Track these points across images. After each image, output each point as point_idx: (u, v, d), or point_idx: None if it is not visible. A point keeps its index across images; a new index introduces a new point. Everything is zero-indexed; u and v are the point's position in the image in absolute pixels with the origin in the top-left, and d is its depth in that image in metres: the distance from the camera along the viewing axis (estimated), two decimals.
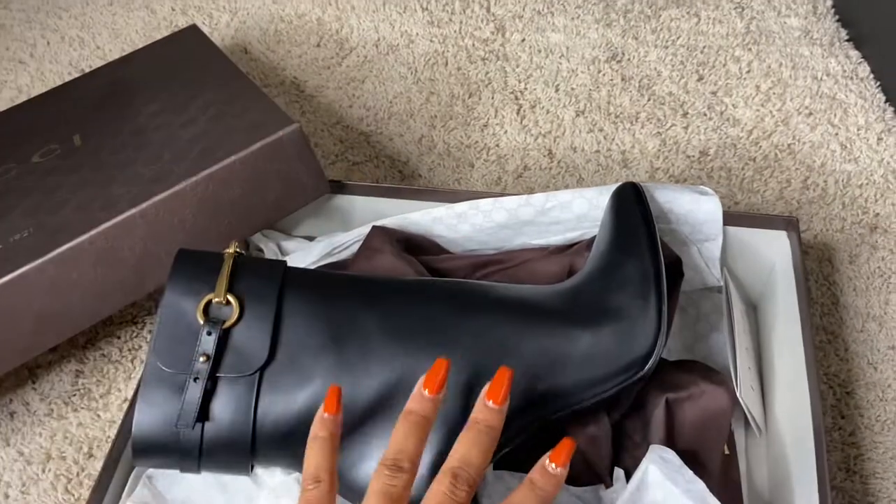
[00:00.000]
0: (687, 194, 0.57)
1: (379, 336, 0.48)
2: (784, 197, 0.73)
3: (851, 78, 0.81)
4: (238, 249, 0.51)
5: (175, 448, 0.47)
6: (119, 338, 0.68)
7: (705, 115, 0.80)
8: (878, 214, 0.71)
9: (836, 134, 0.77)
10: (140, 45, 0.93)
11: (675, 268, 0.55)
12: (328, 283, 0.52)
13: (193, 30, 0.81)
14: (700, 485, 0.46)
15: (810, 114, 0.79)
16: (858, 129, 0.77)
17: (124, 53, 0.92)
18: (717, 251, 0.59)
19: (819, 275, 0.68)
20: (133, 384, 0.65)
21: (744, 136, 0.78)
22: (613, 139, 0.79)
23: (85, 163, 0.65)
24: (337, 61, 0.89)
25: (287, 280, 0.50)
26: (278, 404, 0.47)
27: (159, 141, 0.65)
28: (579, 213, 0.58)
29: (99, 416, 0.64)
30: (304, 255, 0.63)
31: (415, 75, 0.87)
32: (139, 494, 0.51)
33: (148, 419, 0.47)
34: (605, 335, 0.48)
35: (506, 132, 0.81)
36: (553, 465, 0.40)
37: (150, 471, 0.53)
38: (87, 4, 0.98)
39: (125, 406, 0.64)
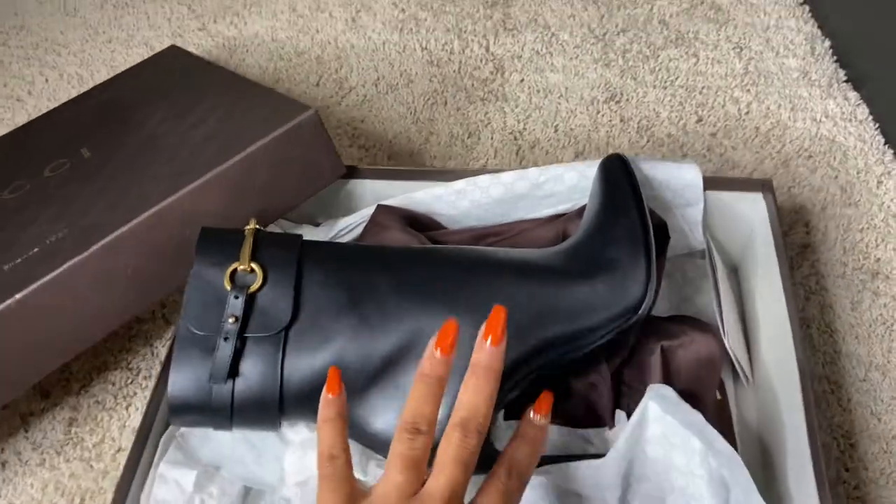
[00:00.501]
0: (667, 164, 0.61)
1: (393, 296, 0.52)
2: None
3: (850, 120, 0.81)
4: (257, 226, 0.55)
5: (208, 406, 0.50)
6: (114, 384, 0.67)
7: (705, 156, 0.80)
8: (879, 259, 0.70)
9: (836, 177, 0.77)
10: None
11: (662, 230, 0.59)
12: (342, 251, 0.56)
13: (174, 49, 0.83)
14: (698, 416, 0.50)
15: (810, 156, 0.79)
16: (858, 173, 0.77)
17: None
18: (699, 215, 0.63)
19: (821, 322, 0.67)
20: (128, 432, 0.64)
21: None
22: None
23: (101, 171, 0.67)
24: (336, 100, 0.89)
25: (304, 249, 0.54)
26: (303, 362, 0.51)
27: (173, 143, 0.67)
28: (571, 184, 0.62)
29: (92, 466, 0.63)
30: (309, 238, 0.65)
31: (414, 115, 0.86)
32: (172, 456, 0.54)
33: (182, 379, 0.50)
34: (601, 285, 0.53)
35: None
36: (537, 416, 0.46)
37: (182, 431, 0.55)
38: (86, 41, 0.99)
39: (119, 456, 0.63)
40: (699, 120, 0.83)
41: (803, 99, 0.84)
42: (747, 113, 0.84)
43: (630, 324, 0.52)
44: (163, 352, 0.69)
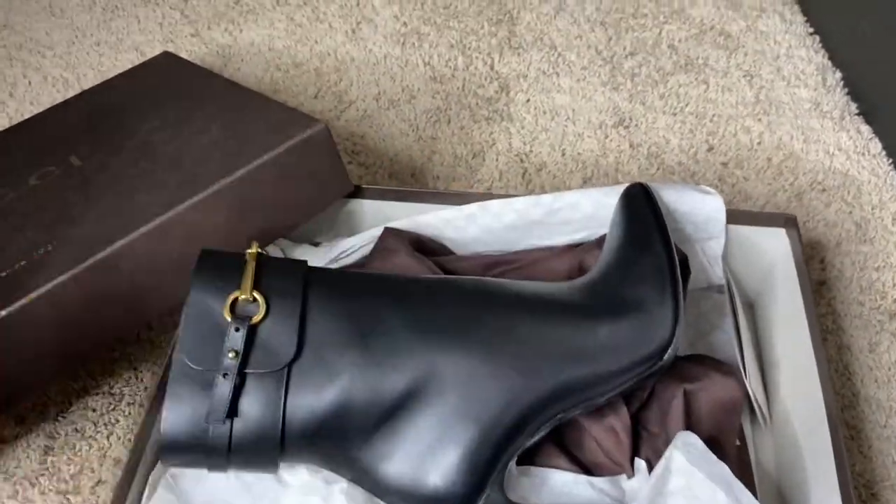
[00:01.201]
0: (691, 193, 0.59)
1: (403, 331, 0.49)
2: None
3: (863, 154, 0.80)
4: (259, 249, 0.51)
5: (204, 445, 0.47)
6: (94, 410, 0.63)
7: (717, 186, 0.78)
8: None
9: (851, 213, 0.75)
10: None
11: (683, 265, 0.56)
12: (350, 280, 0.52)
13: (168, 55, 0.79)
14: (724, 468, 0.48)
15: (823, 190, 0.77)
16: (873, 209, 0.75)
17: None
18: (720, 249, 0.60)
19: (838, 363, 0.65)
20: (108, 463, 0.60)
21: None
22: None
23: (93, 179, 0.63)
24: (335, 114, 0.85)
25: (310, 278, 0.50)
26: (306, 400, 0.47)
27: (173, 152, 0.63)
28: (587, 213, 0.60)
29: (69, 499, 0.58)
30: (310, 260, 0.62)
31: (416, 132, 0.83)
32: (161, 497, 0.50)
33: (176, 416, 0.46)
34: (624, 327, 0.49)
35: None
36: None
37: (173, 471, 0.51)
38: (72, 44, 0.94)
39: (98, 489, 0.59)
40: (710, 149, 0.81)
41: (815, 131, 0.82)
42: (759, 143, 0.82)
43: (655, 369, 0.49)
44: (147, 376, 0.65)
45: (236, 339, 0.47)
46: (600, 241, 0.60)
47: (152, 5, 0.99)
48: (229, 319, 0.47)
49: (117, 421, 0.63)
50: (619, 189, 0.59)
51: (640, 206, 0.56)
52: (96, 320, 0.56)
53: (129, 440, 0.61)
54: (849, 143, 0.81)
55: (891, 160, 0.79)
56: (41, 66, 0.92)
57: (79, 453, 0.61)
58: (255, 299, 0.48)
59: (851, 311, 0.68)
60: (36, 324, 0.53)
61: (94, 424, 0.62)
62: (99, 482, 0.59)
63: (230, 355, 0.46)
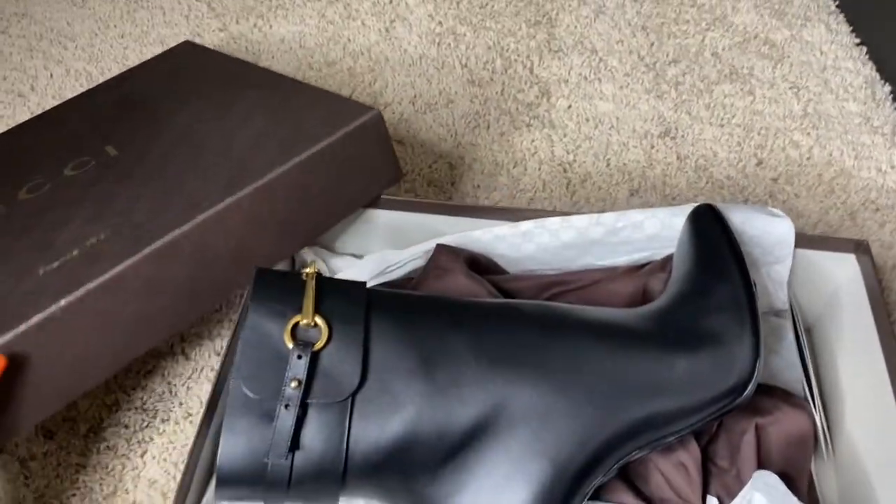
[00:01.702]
0: (759, 216, 0.57)
1: (470, 359, 0.46)
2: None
3: None
4: (317, 269, 0.48)
5: (262, 479, 0.44)
6: (127, 427, 0.60)
7: (767, 203, 0.75)
8: None
9: None
10: None
11: None
12: (412, 304, 0.49)
13: (190, 44, 0.77)
14: None
15: (877, 209, 0.75)
16: None
17: None
18: (786, 274, 0.59)
19: None
20: (143, 484, 0.57)
21: (808, 229, 0.73)
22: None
23: (135, 170, 0.61)
24: None
25: (371, 300, 0.48)
26: (370, 431, 0.45)
27: (218, 141, 0.62)
28: (651, 233, 0.57)
29: None
30: (355, 273, 0.60)
31: (455, 138, 0.81)
32: None
33: (234, 449, 0.43)
34: (703, 360, 0.47)
35: (555, 208, 0.75)
36: None
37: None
38: (95, 35, 0.91)
39: None
40: (759, 163, 0.79)
41: (867, 147, 0.80)
42: (809, 158, 0.79)
43: (735, 405, 0.47)
44: (182, 391, 0.62)
45: (299, 367, 0.44)
46: (665, 263, 0.57)
47: None
48: (291, 346, 0.45)
49: (151, 439, 0.60)
50: (685, 209, 0.56)
51: (712, 228, 0.53)
52: (153, 311, 0.54)
53: (164, 460, 0.59)
54: None
55: None
56: (63, 59, 0.88)
57: (112, 473, 0.58)
58: (316, 324, 0.45)
59: None
60: (93, 314, 0.51)
61: (128, 442, 0.60)
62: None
63: (292, 385, 0.44)
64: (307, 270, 0.48)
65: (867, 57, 0.89)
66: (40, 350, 0.50)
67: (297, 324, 0.45)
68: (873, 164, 0.78)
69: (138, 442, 0.60)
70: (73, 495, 0.57)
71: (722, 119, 0.83)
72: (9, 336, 0.48)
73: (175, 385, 0.63)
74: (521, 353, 0.47)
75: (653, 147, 0.80)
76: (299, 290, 0.47)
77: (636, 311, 0.51)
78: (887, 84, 0.86)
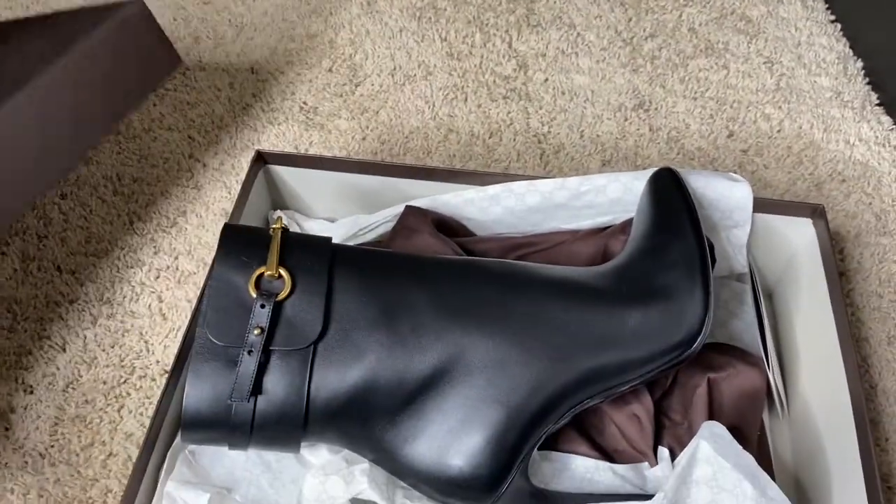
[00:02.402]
0: (719, 180, 0.58)
1: (430, 312, 0.48)
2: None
3: (884, 145, 0.79)
4: (284, 225, 0.50)
5: (226, 423, 0.46)
6: (105, 383, 0.62)
7: (736, 173, 0.77)
8: None
9: (871, 203, 0.74)
10: None
11: (710, 253, 0.55)
12: (376, 258, 0.51)
13: None
14: (749, 459, 0.47)
15: (843, 180, 0.76)
16: (893, 201, 0.74)
17: None
18: (745, 238, 0.60)
19: (857, 355, 0.64)
20: (119, 436, 0.59)
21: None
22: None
23: None
24: (350, 88, 0.84)
25: (336, 255, 0.50)
26: (331, 379, 0.46)
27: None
28: (613, 197, 0.59)
29: (79, 472, 0.57)
30: (327, 234, 0.62)
31: (433, 110, 0.82)
32: (180, 473, 0.49)
33: (199, 393, 0.45)
34: (654, 314, 0.49)
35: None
36: None
37: (192, 447, 0.51)
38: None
39: (109, 462, 0.58)
40: (730, 135, 0.80)
41: (836, 120, 0.81)
42: (779, 131, 0.81)
43: (683, 357, 0.48)
44: (159, 350, 0.64)
45: (262, 315, 0.46)
46: (625, 226, 0.59)
47: None
48: (255, 295, 0.46)
49: (128, 394, 0.62)
50: (647, 174, 0.58)
51: (670, 191, 0.55)
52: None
53: (141, 414, 0.61)
54: (869, 133, 0.80)
55: None
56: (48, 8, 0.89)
57: (89, 426, 0.60)
58: (280, 276, 0.47)
59: (870, 303, 0.68)
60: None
61: (105, 397, 0.62)
62: (110, 455, 0.58)
63: (255, 332, 0.46)
64: (274, 226, 0.50)
65: (841, 34, 0.91)
66: None
67: (261, 275, 0.47)
68: (841, 137, 0.80)
69: (116, 397, 0.62)
70: (52, 447, 0.59)
71: (695, 92, 0.84)
72: None
73: (152, 344, 0.65)
74: (479, 306, 0.49)
75: (626, 119, 0.82)
76: (265, 244, 0.48)
77: (594, 269, 0.53)
78: (859, 60, 0.87)
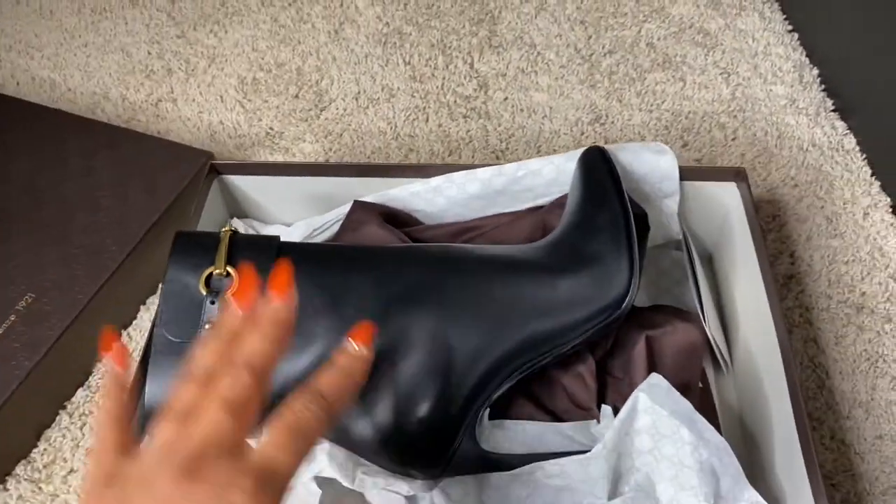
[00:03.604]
0: (645, 153, 0.61)
1: (373, 297, 0.51)
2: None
3: (837, 150, 0.80)
4: (233, 228, 0.53)
5: None
6: (71, 402, 0.64)
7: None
8: (864, 293, 0.69)
9: (822, 207, 0.75)
10: (113, 89, 0.90)
11: (642, 220, 0.58)
12: (320, 252, 0.55)
13: None
14: (687, 405, 0.50)
15: (796, 185, 0.78)
16: (844, 204, 0.75)
17: (96, 96, 0.89)
18: (675, 206, 0.63)
19: (804, 356, 0.65)
20: (80, 453, 0.61)
21: None
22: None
23: (13, 228, 0.68)
24: (315, 113, 0.87)
25: (282, 251, 0.53)
26: (284, 366, 0.48)
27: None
28: (549, 178, 0.62)
29: (40, 488, 0.59)
30: (283, 239, 0.64)
31: (394, 130, 0.84)
32: None
33: (158, 388, 0.48)
34: (584, 280, 0.52)
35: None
36: (354, 345, 0.41)
37: None
38: (61, 45, 0.96)
39: (70, 478, 0.60)
40: (685, 145, 0.82)
41: (790, 127, 0.83)
42: (734, 139, 0.82)
43: (614, 317, 0.51)
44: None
45: (212, 310, 0.50)
46: (561, 201, 0.61)
47: (140, 7, 1.00)
48: (204, 293, 0.49)
49: (91, 412, 0.64)
50: (577, 154, 0.61)
51: (597, 166, 0.58)
52: None
53: None
54: (823, 139, 0.81)
55: (864, 156, 0.80)
56: (29, 68, 0.93)
57: (52, 443, 0.62)
58: (228, 273, 0.50)
59: (819, 304, 0.69)
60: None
61: (70, 416, 0.64)
62: (71, 471, 0.60)
63: (207, 326, 0.49)
64: (223, 230, 0.53)
65: (798, 42, 0.92)
66: None
67: (210, 274, 0.50)
68: (795, 144, 0.81)
69: (79, 415, 0.64)
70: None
71: (651, 105, 0.86)
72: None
73: None
74: (419, 287, 0.52)
75: (583, 133, 0.84)
76: (214, 246, 0.52)
77: (529, 245, 0.56)
78: (815, 68, 0.89)
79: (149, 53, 0.94)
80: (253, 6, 0.99)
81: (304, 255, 0.53)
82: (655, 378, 0.51)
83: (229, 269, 0.51)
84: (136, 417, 0.53)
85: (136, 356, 0.67)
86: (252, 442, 0.36)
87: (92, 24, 0.99)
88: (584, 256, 0.53)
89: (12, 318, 0.62)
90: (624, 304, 0.52)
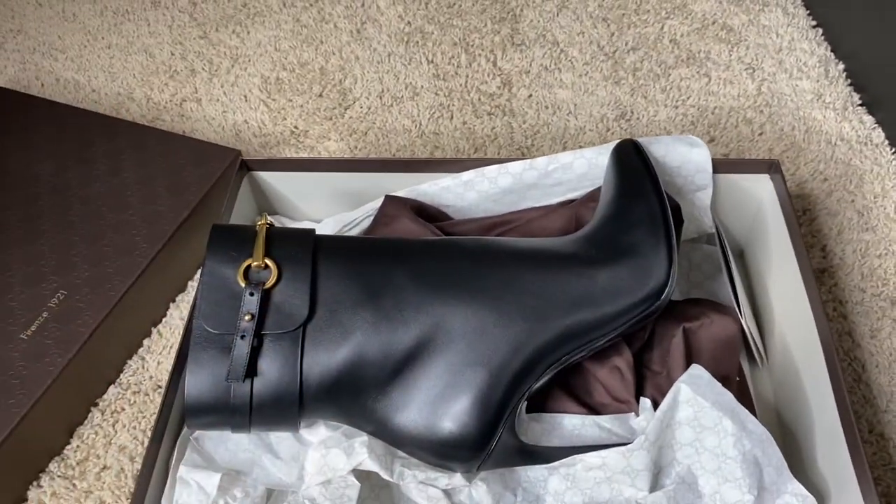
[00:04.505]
0: (679, 145, 0.61)
1: (411, 288, 0.51)
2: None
3: (866, 144, 0.80)
4: (269, 221, 0.53)
5: (226, 407, 0.48)
6: (102, 399, 0.64)
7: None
8: None
9: (853, 201, 0.75)
10: (137, 89, 0.90)
11: (676, 213, 0.58)
12: (357, 244, 0.54)
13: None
14: (729, 396, 0.50)
15: (825, 179, 0.77)
16: (875, 197, 0.75)
17: (120, 97, 0.89)
18: (708, 199, 0.63)
19: (839, 349, 0.65)
20: (113, 449, 0.61)
21: None
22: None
23: (44, 227, 0.68)
24: (339, 112, 0.87)
25: (318, 243, 0.52)
26: (322, 358, 0.49)
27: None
28: (580, 172, 0.62)
29: (74, 485, 0.59)
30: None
31: (419, 128, 0.84)
32: (190, 458, 0.51)
33: (199, 380, 0.48)
34: (622, 271, 0.51)
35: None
36: None
37: (196, 434, 0.53)
38: (84, 46, 0.96)
39: (103, 475, 0.60)
40: (712, 140, 0.81)
41: (818, 121, 0.82)
42: (761, 134, 0.82)
43: (653, 309, 0.51)
44: (153, 366, 0.66)
45: (251, 302, 0.49)
46: (594, 195, 0.61)
47: (162, 9, 1.01)
48: (243, 285, 0.49)
49: (123, 409, 0.64)
50: (609, 147, 0.61)
51: (632, 159, 0.58)
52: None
53: (134, 427, 0.62)
54: (851, 133, 0.81)
55: (893, 149, 0.79)
56: (53, 69, 0.94)
57: (85, 441, 0.62)
58: (266, 266, 0.50)
59: (853, 297, 0.68)
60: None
61: (102, 413, 0.64)
62: (104, 468, 0.60)
63: (246, 318, 0.49)
64: (259, 222, 0.53)
65: (822, 38, 0.92)
66: None
67: (249, 266, 0.50)
68: (823, 138, 0.81)
69: (111, 413, 0.64)
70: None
71: (677, 101, 0.86)
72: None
73: (147, 360, 0.67)
74: (457, 279, 0.51)
75: (608, 130, 0.83)
76: (251, 238, 0.52)
77: (566, 237, 0.56)
78: (841, 62, 0.88)
79: (172, 54, 0.95)
80: (274, 7, 1.00)
81: (340, 248, 0.53)
82: (697, 369, 0.51)
83: (267, 261, 0.51)
84: (175, 408, 0.53)
85: (168, 352, 0.67)
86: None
87: (114, 25, 0.99)
88: (622, 248, 0.52)
89: (45, 314, 0.62)
90: (663, 296, 0.51)
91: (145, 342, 0.68)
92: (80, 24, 0.99)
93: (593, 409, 0.55)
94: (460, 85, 0.89)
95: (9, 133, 0.77)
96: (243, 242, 0.51)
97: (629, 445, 0.49)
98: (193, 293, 0.71)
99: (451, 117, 0.85)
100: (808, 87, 0.86)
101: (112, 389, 0.65)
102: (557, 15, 0.96)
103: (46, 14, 1.01)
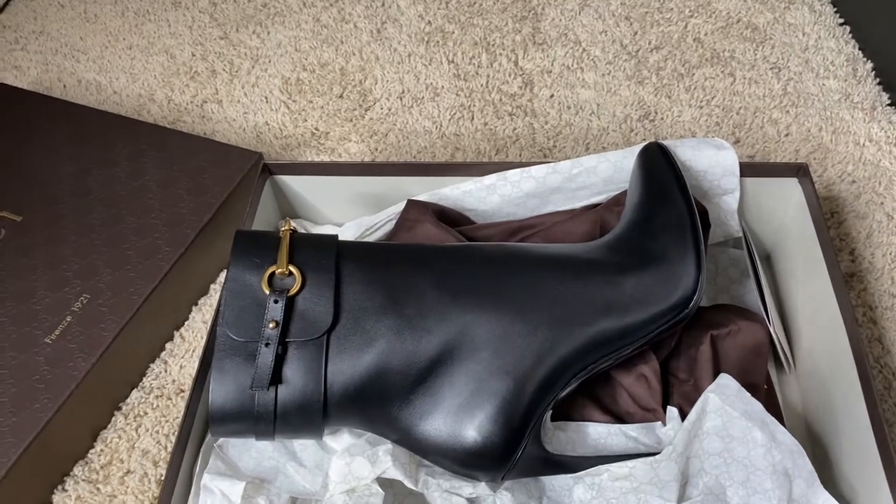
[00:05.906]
0: (706, 148, 0.60)
1: (434, 295, 0.50)
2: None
3: (895, 145, 0.78)
4: (293, 227, 0.53)
5: (250, 414, 0.48)
6: (126, 402, 0.64)
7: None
8: None
9: (882, 203, 0.73)
10: (158, 91, 0.90)
11: (703, 218, 0.57)
12: (380, 251, 0.54)
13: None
14: (758, 406, 0.49)
15: (853, 181, 0.76)
16: None
17: (141, 98, 0.90)
18: (735, 203, 0.62)
19: (870, 356, 0.64)
20: (136, 454, 0.61)
21: None
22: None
23: (67, 230, 0.69)
24: (360, 113, 0.86)
25: (342, 250, 0.52)
26: (346, 364, 0.49)
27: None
28: (605, 176, 0.61)
29: (98, 489, 0.60)
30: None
31: (440, 130, 0.84)
32: (214, 466, 0.51)
33: (223, 387, 0.48)
34: (649, 278, 0.51)
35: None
36: None
37: (220, 442, 0.53)
38: (105, 48, 0.96)
39: (127, 479, 0.60)
40: (737, 141, 0.80)
41: (845, 122, 0.81)
42: (787, 135, 0.80)
43: (681, 317, 0.50)
44: (175, 370, 0.66)
45: (276, 310, 0.49)
46: (619, 199, 0.60)
47: (182, 9, 1.01)
48: (268, 292, 0.49)
49: (146, 413, 0.64)
50: (635, 150, 0.60)
51: (658, 162, 0.57)
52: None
53: (157, 431, 0.63)
54: (880, 133, 0.79)
55: None
56: (75, 71, 0.94)
57: (109, 444, 0.62)
58: (291, 273, 0.50)
59: (882, 303, 0.67)
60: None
61: (125, 417, 0.64)
62: (128, 472, 0.60)
63: (271, 325, 0.48)
64: (283, 228, 0.53)
65: (850, 36, 0.90)
66: None
67: (273, 273, 0.50)
68: (851, 139, 0.79)
69: (134, 416, 0.64)
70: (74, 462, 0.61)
71: (701, 101, 0.84)
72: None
73: (170, 364, 0.67)
74: (480, 286, 0.51)
75: (632, 130, 0.82)
76: (275, 245, 0.51)
77: (591, 243, 0.55)
78: (869, 61, 0.87)
79: (192, 55, 0.95)
80: (294, 7, 0.99)
81: (363, 254, 0.53)
82: (725, 378, 0.50)
83: (291, 268, 0.50)
84: (198, 416, 0.53)
85: (191, 356, 0.67)
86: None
87: (135, 26, 0.99)
88: (649, 255, 0.52)
89: (68, 318, 0.62)
90: (692, 304, 0.50)
91: (167, 346, 0.68)
92: (102, 25, 1.00)
93: (619, 418, 0.54)
94: (481, 85, 0.88)
95: (31, 136, 0.77)
96: (267, 249, 0.51)
97: (657, 455, 0.49)
98: (215, 296, 0.71)
99: (472, 118, 0.85)
100: (835, 87, 0.84)
101: (135, 393, 0.65)
102: (579, 13, 0.95)
103: (68, 15, 1.01)
